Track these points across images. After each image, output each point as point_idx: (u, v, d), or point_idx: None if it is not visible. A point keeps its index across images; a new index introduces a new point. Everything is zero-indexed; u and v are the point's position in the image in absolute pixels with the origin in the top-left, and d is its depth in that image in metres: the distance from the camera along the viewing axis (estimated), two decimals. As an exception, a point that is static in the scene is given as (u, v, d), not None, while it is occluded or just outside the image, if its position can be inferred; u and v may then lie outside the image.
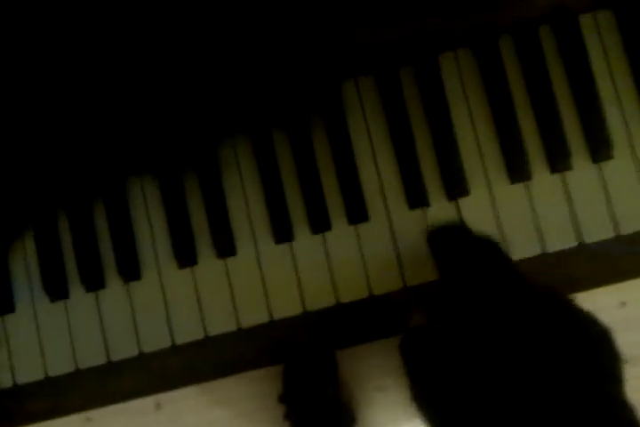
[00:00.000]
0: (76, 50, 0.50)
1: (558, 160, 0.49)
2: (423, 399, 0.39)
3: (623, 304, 0.52)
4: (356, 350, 0.52)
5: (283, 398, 0.51)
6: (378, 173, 0.51)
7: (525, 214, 0.49)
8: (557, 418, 0.32)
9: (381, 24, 0.51)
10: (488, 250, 0.43)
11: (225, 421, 0.55)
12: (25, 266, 0.53)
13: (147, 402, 0.54)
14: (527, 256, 0.49)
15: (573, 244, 0.49)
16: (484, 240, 0.44)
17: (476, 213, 0.50)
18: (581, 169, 0.50)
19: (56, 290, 0.52)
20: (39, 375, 0.51)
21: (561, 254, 0.49)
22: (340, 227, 0.51)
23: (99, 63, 0.51)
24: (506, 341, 0.35)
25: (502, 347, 0.35)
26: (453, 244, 0.44)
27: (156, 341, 0.51)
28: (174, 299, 0.51)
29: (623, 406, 0.33)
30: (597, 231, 0.49)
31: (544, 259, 0.49)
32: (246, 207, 0.52)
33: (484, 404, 0.34)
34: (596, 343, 0.35)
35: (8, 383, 0.51)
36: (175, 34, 0.50)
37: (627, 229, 0.49)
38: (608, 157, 0.49)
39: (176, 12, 0.50)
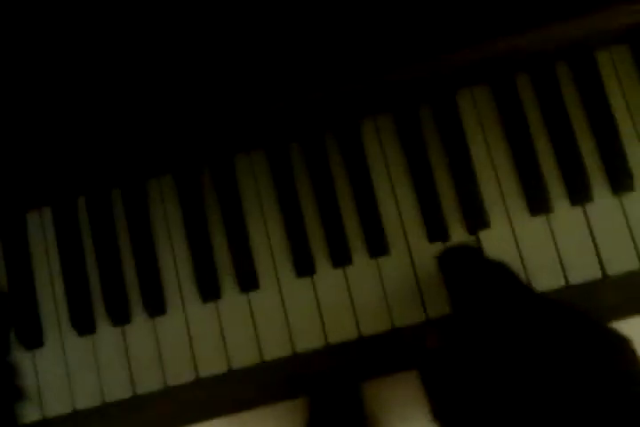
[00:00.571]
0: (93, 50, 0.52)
1: (578, 192, 0.50)
2: (446, 420, 0.38)
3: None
4: (379, 381, 0.52)
5: None
6: (398, 207, 0.52)
7: (547, 247, 0.49)
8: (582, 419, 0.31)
9: (399, 63, 0.52)
10: (498, 270, 0.43)
11: None
12: (53, 301, 0.54)
13: None
14: (550, 288, 0.49)
15: (597, 275, 0.49)
16: (493, 261, 0.44)
17: (498, 246, 0.50)
18: (602, 201, 0.50)
19: (83, 325, 0.53)
20: (67, 409, 0.52)
21: (585, 286, 0.49)
22: (361, 260, 0.52)
23: (111, 68, 0.53)
24: (523, 358, 0.35)
25: (520, 365, 0.34)
26: (463, 264, 0.44)
27: (180, 374, 0.51)
28: (198, 333, 0.52)
29: None
30: (620, 262, 0.49)
31: (568, 290, 0.49)
32: (268, 242, 0.53)
33: (506, 422, 0.34)
34: (617, 353, 0.35)
35: (36, 417, 0.52)
36: (201, 43, 0.52)
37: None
38: (629, 188, 0.49)
39: (203, 21, 0.52)
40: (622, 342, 0.36)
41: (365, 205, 0.52)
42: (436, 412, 0.39)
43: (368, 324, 0.51)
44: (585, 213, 0.50)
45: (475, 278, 0.42)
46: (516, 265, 0.49)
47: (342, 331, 0.51)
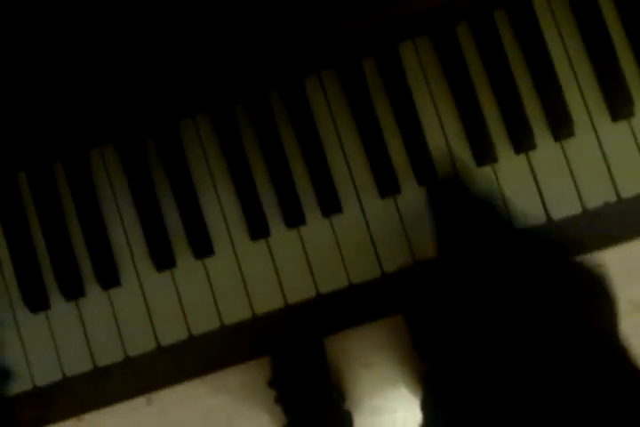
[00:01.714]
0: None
1: (521, 140, 0.50)
2: (425, 341, 0.40)
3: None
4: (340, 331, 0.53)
5: (272, 384, 0.51)
6: (348, 164, 0.52)
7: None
8: (553, 355, 0.33)
9: (341, 18, 0.51)
10: (486, 206, 0.44)
11: (216, 410, 0.56)
12: (3, 280, 0.52)
13: (137, 398, 0.54)
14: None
15: (542, 220, 0.50)
16: (482, 196, 0.45)
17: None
18: (545, 147, 0.51)
19: (36, 302, 0.52)
20: (27, 386, 0.51)
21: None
22: (314, 220, 0.52)
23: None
24: (505, 290, 0.36)
25: (502, 294, 0.36)
26: (451, 198, 0.45)
27: (140, 344, 0.51)
28: (155, 302, 0.51)
29: (620, 347, 0.34)
30: (564, 208, 0.50)
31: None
32: (220, 207, 0.52)
33: (485, 347, 0.35)
34: (593, 288, 0.37)
35: (-3, 397, 0.52)
36: (142, 8, 0.50)
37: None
38: (569, 134, 0.50)
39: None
40: (594, 276, 0.37)
41: (315, 164, 0.52)
42: (417, 341, 0.40)
43: (325, 282, 0.51)
44: (529, 160, 0.51)
45: (461, 215, 0.43)
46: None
47: (300, 291, 0.51)
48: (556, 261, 0.38)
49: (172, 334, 0.51)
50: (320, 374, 0.51)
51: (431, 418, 0.39)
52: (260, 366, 0.52)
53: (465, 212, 0.43)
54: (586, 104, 0.51)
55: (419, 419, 0.39)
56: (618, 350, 0.34)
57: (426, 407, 0.40)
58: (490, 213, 0.43)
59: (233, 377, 0.54)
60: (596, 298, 0.37)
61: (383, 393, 0.56)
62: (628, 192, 0.50)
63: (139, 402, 0.53)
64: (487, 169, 0.51)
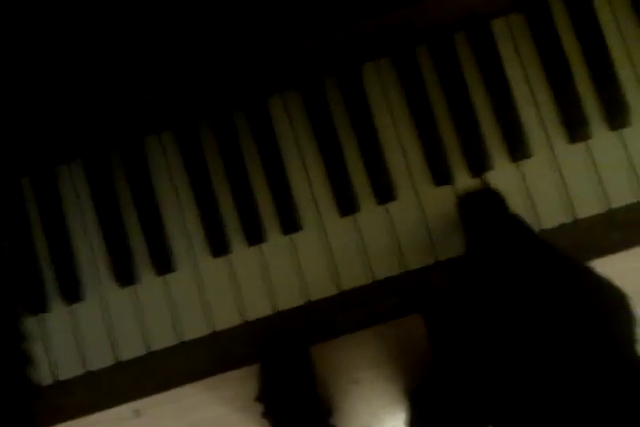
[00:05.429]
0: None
1: (478, 162, 0.51)
2: (445, 360, 0.41)
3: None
4: (329, 345, 0.53)
5: (260, 398, 0.52)
6: (309, 184, 0.53)
7: (448, 217, 0.51)
8: (574, 377, 0.33)
9: (302, 37, 0.52)
10: (514, 218, 0.44)
11: (204, 424, 0.56)
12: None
13: (125, 410, 0.54)
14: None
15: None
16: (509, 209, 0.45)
17: (405, 217, 0.51)
18: (502, 169, 0.51)
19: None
20: (-10, 399, 0.52)
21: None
22: (274, 237, 0.52)
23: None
24: (528, 306, 0.36)
25: (524, 311, 0.36)
26: (483, 209, 0.46)
27: (100, 359, 0.52)
28: (117, 317, 0.52)
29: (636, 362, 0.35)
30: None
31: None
32: (183, 223, 0.53)
33: (505, 367, 0.35)
34: (615, 308, 0.37)
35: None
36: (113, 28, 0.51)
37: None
38: (526, 155, 0.51)
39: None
40: (620, 298, 0.38)
41: (277, 182, 0.53)
42: (436, 352, 0.40)
43: (283, 299, 0.52)
44: (486, 181, 0.51)
45: (492, 225, 0.44)
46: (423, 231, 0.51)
47: (259, 308, 0.52)
48: (577, 275, 0.38)
49: (132, 349, 0.52)
50: (308, 389, 0.51)
51: None
52: (248, 380, 0.52)
53: (495, 221, 0.44)
54: (543, 126, 0.51)
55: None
56: (634, 364, 0.35)
57: (412, 425, 0.40)
58: (518, 225, 0.44)
59: (221, 391, 0.54)
60: (616, 313, 0.37)
61: (371, 410, 0.56)
62: (584, 213, 0.51)
63: (127, 415, 0.54)
64: (446, 190, 0.51)
